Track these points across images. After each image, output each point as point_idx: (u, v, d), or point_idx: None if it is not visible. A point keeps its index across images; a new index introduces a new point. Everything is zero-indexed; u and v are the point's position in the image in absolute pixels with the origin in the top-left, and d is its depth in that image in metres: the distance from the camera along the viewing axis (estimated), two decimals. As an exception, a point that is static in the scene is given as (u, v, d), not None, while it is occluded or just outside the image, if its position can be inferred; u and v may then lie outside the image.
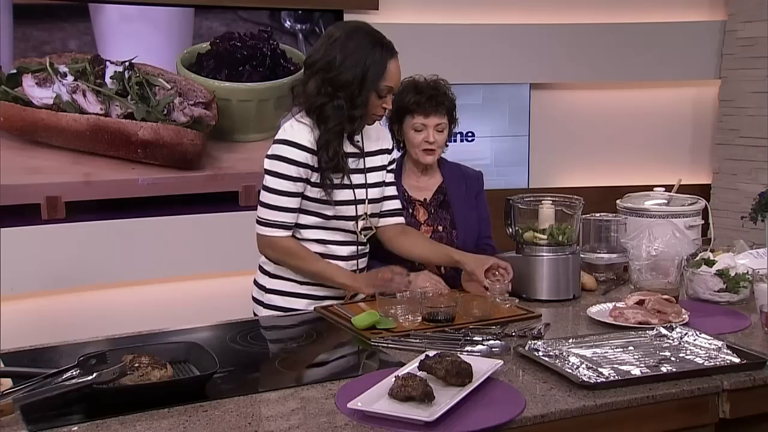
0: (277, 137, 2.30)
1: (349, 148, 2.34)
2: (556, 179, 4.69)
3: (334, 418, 1.55)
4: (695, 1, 4.70)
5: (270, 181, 2.28)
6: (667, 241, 2.52)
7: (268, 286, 2.40)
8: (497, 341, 1.93)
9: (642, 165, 4.72)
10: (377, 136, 2.44)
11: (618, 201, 2.83)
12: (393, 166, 2.50)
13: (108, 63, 3.81)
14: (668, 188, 2.84)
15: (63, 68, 3.74)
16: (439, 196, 2.64)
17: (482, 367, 1.70)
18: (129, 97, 3.83)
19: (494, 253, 2.52)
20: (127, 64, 3.83)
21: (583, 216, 2.61)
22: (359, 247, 2.40)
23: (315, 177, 2.28)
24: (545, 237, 2.42)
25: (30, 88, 3.71)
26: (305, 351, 2.04)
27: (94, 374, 1.58)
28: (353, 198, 2.34)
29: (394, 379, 1.59)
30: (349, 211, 2.34)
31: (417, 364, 1.69)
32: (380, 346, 1.97)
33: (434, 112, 2.53)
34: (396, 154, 2.56)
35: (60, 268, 3.78)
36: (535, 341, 1.91)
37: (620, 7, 4.64)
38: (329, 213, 2.31)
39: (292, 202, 2.28)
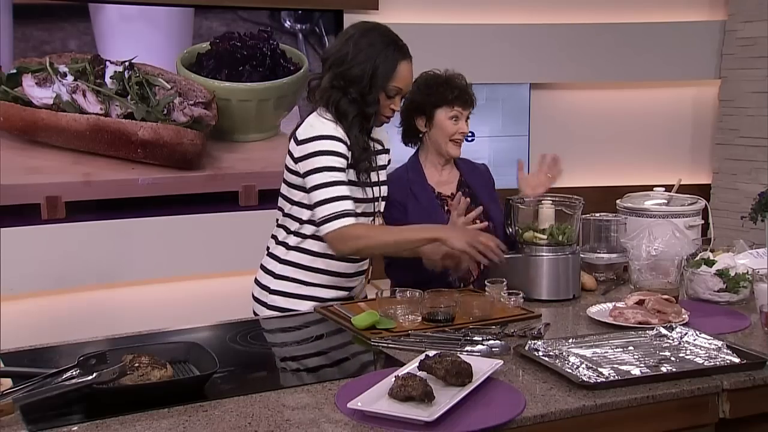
0: (306, 135, 2.25)
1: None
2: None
3: (334, 418, 1.55)
4: (695, 1, 4.70)
5: (318, 178, 2.21)
6: (667, 241, 2.52)
7: (272, 287, 2.39)
8: (497, 341, 1.93)
9: (642, 165, 4.71)
10: (378, 134, 2.45)
11: (618, 201, 2.83)
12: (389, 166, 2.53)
13: (108, 63, 3.81)
14: (668, 188, 2.84)
15: (63, 68, 3.74)
16: (463, 189, 2.64)
17: (482, 367, 1.70)
18: (129, 97, 3.83)
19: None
20: (127, 64, 3.83)
21: (583, 216, 2.61)
22: None
23: (351, 174, 2.28)
24: (545, 237, 2.42)
25: (30, 88, 3.72)
26: (305, 351, 2.04)
27: (94, 374, 1.58)
28: (372, 196, 2.36)
29: (394, 379, 1.59)
30: (368, 207, 2.36)
31: (417, 364, 1.69)
32: (380, 346, 1.97)
33: (470, 104, 2.62)
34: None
35: (60, 268, 3.78)
36: (535, 341, 1.91)
37: (620, 7, 4.64)
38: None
39: (348, 190, 2.22)
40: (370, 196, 2.36)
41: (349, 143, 2.25)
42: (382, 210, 2.41)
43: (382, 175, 2.44)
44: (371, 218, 2.38)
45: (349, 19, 4.06)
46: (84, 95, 3.76)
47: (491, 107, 4.63)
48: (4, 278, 3.58)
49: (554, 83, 4.73)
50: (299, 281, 2.37)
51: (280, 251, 2.39)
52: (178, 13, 4.04)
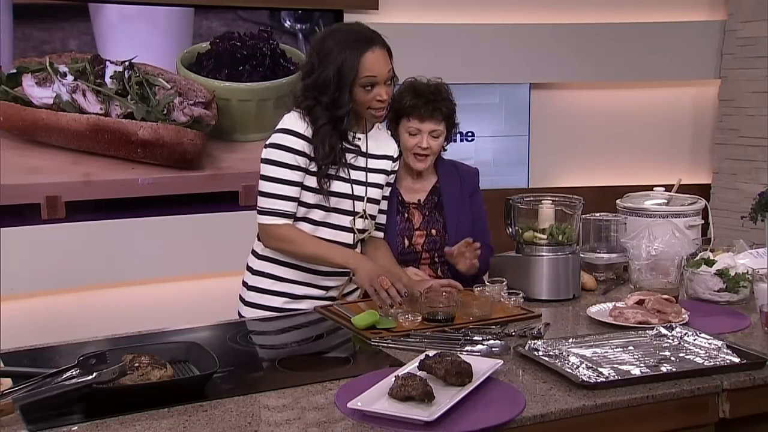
0: (276, 126, 2.31)
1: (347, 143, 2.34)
2: (556, 179, 4.69)
3: (334, 418, 1.55)
4: (695, 1, 4.70)
5: (267, 170, 2.28)
6: (667, 241, 2.52)
7: (249, 283, 2.41)
8: (497, 341, 1.93)
9: (642, 165, 4.71)
10: (384, 141, 2.44)
11: (618, 201, 2.83)
12: (393, 177, 2.49)
13: (108, 63, 3.81)
14: (668, 188, 2.84)
15: (63, 68, 3.74)
16: (433, 197, 2.59)
17: (482, 366, 1.70)
18: (129, 96, 3.83)
19: (489, 256, 2.52)
20: (127, 63, 3.83)
21: (583, 216, 2.61)
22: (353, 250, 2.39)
23: (312, 166, 2.28)
24: (545, 237, 2.42)
25: (30, 87, 3.71)
26: (305, 351, 2.04)
27: (94, 374, 1.58)
28: (350, 192, 2.34)
29: (394, 378, 1.60)
30: (345, 204, 2.34)
31: (417, 364, 1.69)
32: (380, 346, 1.97)
33: (430, 118, 2.46)
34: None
35: (60, 268, 3.78)
36: (535, 341, 1.91)
37: (620, 7, 4.64)
38: (324, 204, 2.31)
39: (290, 191, 2.27)
40: (347, 192, 2.33)
41: (311, 139, 2.25)
42: (368, 211, 2.37)
43: (375, 178, 2.39)
44: (349, 216, 2.35)
45: (349, 19, 4.06)
46: (84, 95, 3.76)
47: (491, 107, 4.63)
48: (4, 278, 3.58)
49: (554, 83, 4.73)
50: (272, 276, 2.37)
51: (258, 247, 2.41)
52: (178, 13, 4.04)
